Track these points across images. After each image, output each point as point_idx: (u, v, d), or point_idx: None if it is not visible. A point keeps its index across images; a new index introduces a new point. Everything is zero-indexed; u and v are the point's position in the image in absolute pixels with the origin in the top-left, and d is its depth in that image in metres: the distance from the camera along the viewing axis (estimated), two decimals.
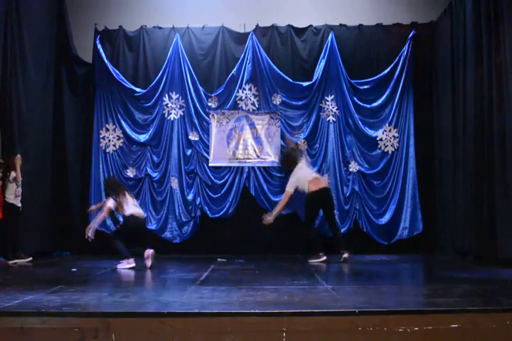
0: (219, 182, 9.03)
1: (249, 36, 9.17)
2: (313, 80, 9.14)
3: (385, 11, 9.29)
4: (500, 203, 6.79)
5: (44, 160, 8.49)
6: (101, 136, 9.10)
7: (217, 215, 8.98)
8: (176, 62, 9.17)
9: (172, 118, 9.14)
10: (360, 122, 9.13)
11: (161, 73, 9.17)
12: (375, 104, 9.20)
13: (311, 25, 9.28)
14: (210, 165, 9.07)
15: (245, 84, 9.12)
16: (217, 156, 9.06)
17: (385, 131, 9.15)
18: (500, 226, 6.75)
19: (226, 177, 9.05)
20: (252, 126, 9.15)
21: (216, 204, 9.01)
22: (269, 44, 9.26)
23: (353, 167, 9.09)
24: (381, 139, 9.14)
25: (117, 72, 9.16)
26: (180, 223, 8.97)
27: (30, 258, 7.48)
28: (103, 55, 9.14)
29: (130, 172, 9.04)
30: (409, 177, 9.05)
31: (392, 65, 9.15)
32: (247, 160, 9.08)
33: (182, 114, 9.16)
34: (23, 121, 7.93)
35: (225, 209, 8.97)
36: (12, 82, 7.77)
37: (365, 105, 9.19)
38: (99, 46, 9.17)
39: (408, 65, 9.13)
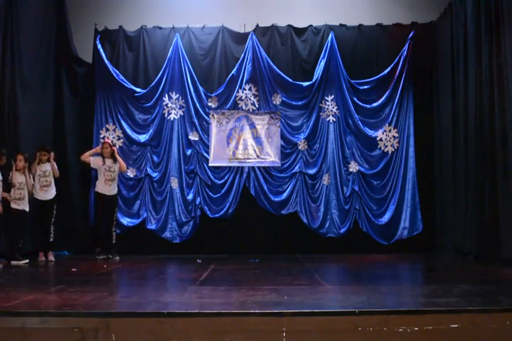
0: (219, 182, 9.03)
1: (249, 36, 9.17)
2: (313, 80, 9.14)
3: (385, 11, 9.29)
4: (503, 203, 6.80)
5: None
6: (101, 136, 9.09)
7: (217, 215, 8.98)
8: (175, 62, 9.16)
9: (172, 118, 9.14)
10: (360, 122, 9.13)
11: (161, 73, 9.17)
12: (375, 104, 9.20)
13: (311, 25, 9.29)
14: (210, 165, 9.07)
15: (245, 84, 9.12)
16: (217, 156, 9.07)
17: (385, 131, 9.16)
18: (504, 226, 6.75)
19: (226, 177, 9.05)
20: (252, 126, 9.15)
21: (216, 204, 9.01)
22: (269, 44, 9.26)
23: (353, 167, 9.10)
24: (381, 139, 9.14)
25: (117, 72, 9.16)
26: (180, 223, 8.96)
27: (27, 261, 7.32)
28: (103, 55, 9.14)
29: (130, 172, 9.03)
30: (409, 177, 9.05)
31: (392, 65, 9.15)
32: (247, 160, 9.08)
33: (182, 114, 9.16)
34: (23, 121, 7.93)
35: (225, 209, 8.97)
36: (12, 83, 7.76)
37: (365, 105, 9.19)
38: (99, 46, 9.17)
39: (408, 65, 9.13)
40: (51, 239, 7.86)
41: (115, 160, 8.32)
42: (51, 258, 7.79)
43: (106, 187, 8.22)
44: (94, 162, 8.31)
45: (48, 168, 7.95)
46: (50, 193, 7.90)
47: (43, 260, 7.72)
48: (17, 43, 7.86)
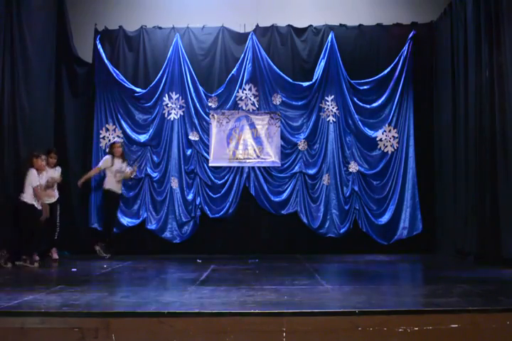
0: (219, 182, 9.03)
1: (249, 36, 9.18)
2: (313, 80, 9.14)
3: (385, 11, 9.29)
4: (503, 203, 6.79)
5: None
6: (101, 136, 9.10)
7: (217, 215, 8.98)
8: (175, 62, 9.17)
9: (172, 118, 9.14)
10: (360, 122, 9.13)
11: (160, 73, 9.17)
12: (374, 105, 9.20)
13: (311, 25, 9.29)
14: (210, 165, 9.07)
15: (245, 84, 9.12)
16: (217, 156, 9.07)
17: (385, 131, 9.15)
18: (504, 226, 6.74)
19: (226, 177, 9.05)
20: (252, 126, 9.15)
21: (216, 204, 9.01)
22: (269, 44, 9.26)
23: (353, 167, 9.10)
24: (381, 139, 9.14)
25: (117, 72, 9.16)
26: (180, 223, 8.96)
27: (37, 265, 7.06)
28: (103, 55, 9.14)
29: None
30: (409, 177, 9.05)
31: (392, 65, 9.16)
32: (247, 160, 9.08)
33: (182, 114, 9.16)
34: (23, 121, 7.92)
35: (225, 209, 8.97)
36: (12, 82, 7.75)
37: (365, 105, 9.19)
38: (99, 46, 9.17)
39: (408, 65, 9.13)
40: (56, 237, 7.85)
41: (124, 161, 8.55)
42: (55, 255, 7.77)
43: (116, 184, 8.46)
44: (104, 162, 8.43)
45: (55, 174, 7.91)
46: (55, 196, 7.91)
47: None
48: (18, 43, 7.84)
